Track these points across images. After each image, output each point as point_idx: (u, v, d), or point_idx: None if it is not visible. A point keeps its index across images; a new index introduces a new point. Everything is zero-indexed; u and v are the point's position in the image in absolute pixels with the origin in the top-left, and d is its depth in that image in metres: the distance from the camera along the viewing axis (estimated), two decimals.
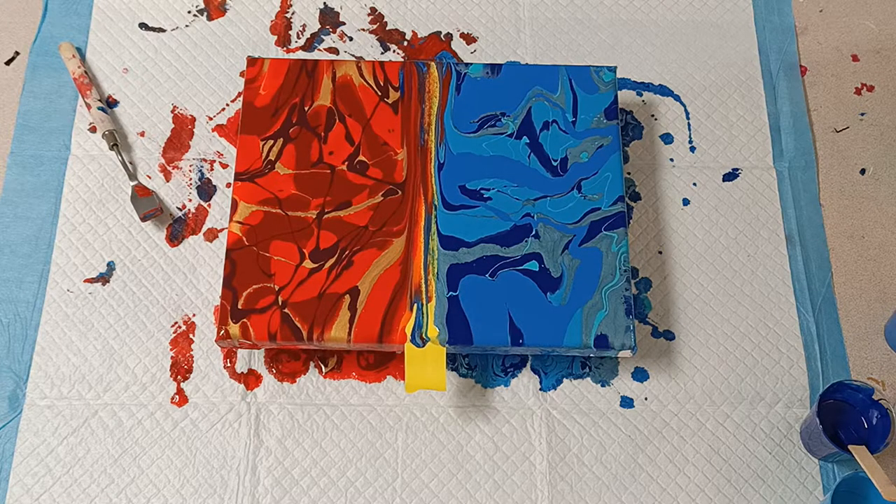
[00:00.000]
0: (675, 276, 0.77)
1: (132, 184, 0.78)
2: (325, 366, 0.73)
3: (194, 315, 0.74)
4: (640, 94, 0.84)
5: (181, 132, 0.81)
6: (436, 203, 0.72)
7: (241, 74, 0.83)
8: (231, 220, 0.71)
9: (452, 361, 0.73)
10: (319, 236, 0.71)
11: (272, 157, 0.74)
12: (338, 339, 0.68)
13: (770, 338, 0.75)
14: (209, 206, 0.78)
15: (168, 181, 0.79)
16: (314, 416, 0.71)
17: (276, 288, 0.69)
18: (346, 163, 0.74)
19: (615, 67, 0.78)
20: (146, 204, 0.76)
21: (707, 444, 0.71)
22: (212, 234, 0.77)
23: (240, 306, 0.68)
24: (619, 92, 0.82)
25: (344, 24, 0.87)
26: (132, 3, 0.86)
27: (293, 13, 0.87)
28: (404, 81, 0.77)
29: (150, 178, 0.79)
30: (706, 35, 0.87)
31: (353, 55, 0.85)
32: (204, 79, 0.83)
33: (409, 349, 0.68)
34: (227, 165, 0.80)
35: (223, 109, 0.82)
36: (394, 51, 0.86)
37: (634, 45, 0.86)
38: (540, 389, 0.73)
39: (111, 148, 0.79)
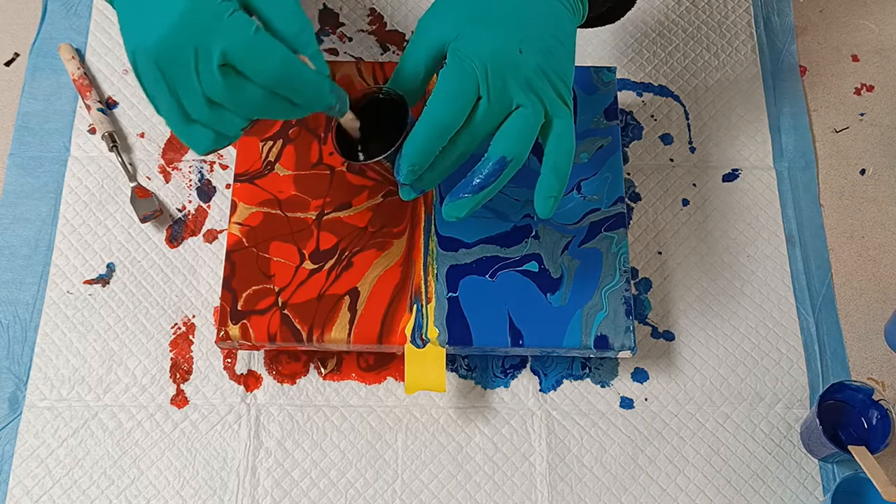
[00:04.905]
0: (674, 276, 0.77)
1: (132, 185, 0.78)
2: (325, 367, 0.73)
3: (194, 316, 0.74)
4: (640, 95, 0.84)
5: None
6: (435, 203, 0.72)
7: None
8: (230, 221, 0.71)
9: (452, 363, 0.73)
10: (319, 237, 0.71)
11: (272, 158, 0.74)
12: (337, 341, 0.68)
13: (770, 338, 0.75)
14: (209, 207, 0.78)
15: (168, 182, 0.79)
16: (314, 417, 0.71)
17: (276, 289, 0.69)
18: (345, 163, 0.73)
19: (615, 67, 0.78)
20: (146, 205, 0.76)
21: (707, 445, 0.71)
22: (211, 236, 0.77)
23: (239, 307, 0.68)
24: (618, 92, 0.82)
25: (343, 24, 0.87)
26: None
27: None
28: None
29: (149, 179, 0.79)
30: (706, 35, 0.87)
31: (352, 56, 0.85)
32: None
33: (408, 350, 0.68)
34: (227, 167, 0.80)
35: None
36: (393, 52, 0.86)
37: (634, 45, 0.86)
38: (540, 390, 0.73)
39: (111, 149, 0.79)
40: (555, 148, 0.58)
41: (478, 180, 0.57)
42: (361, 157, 0.61)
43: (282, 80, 0.50)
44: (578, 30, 0.62)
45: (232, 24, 0.48)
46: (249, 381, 0.72)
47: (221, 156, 0.80)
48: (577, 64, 0.77)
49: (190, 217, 0.78)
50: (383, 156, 0.58)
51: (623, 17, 0.71)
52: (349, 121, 0.58)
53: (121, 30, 0.51)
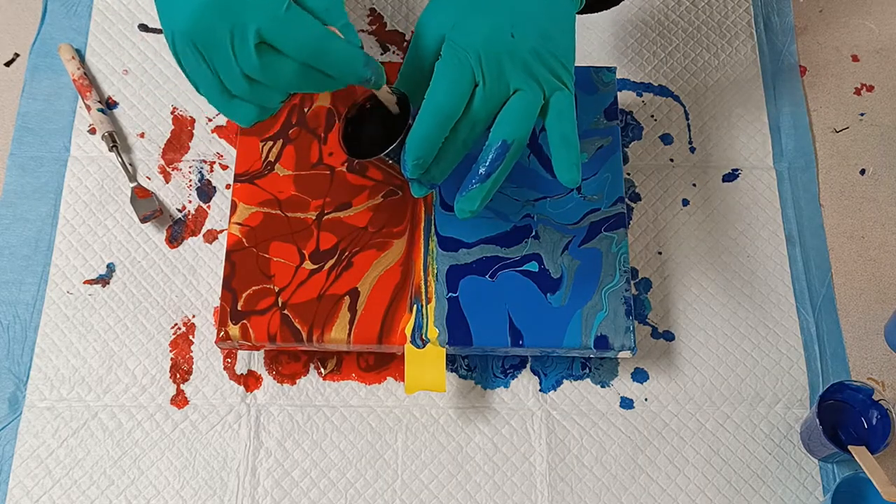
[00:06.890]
0: (674, 276, 0.77)
1: (132, 185, 0.78)
2: (325, 367, 0.73)
3: (194, 317, 0.74)
4: (640, 95, 0.84)
5: (181, 133, 0.81)
6: (435, 203, 0.72)
7: None
8: (230, 221, 0.71)
9: (452, 363, 0.73)
10: (319, 237, 0.71)
11: (272, 158, 0.74)
12: (337, 341, 0.68)
13: (770, 338, 0.75)
14: (209, 207, 0.78)
15: (168, 182, 0.79)
16: (314, 417, 0.71)
17: (276, 289, 0.69)
18: (346, 164, 0.73)
19: (615, 68, 0.78)
20: (146, 205, 0.76)
21: (707, 445, 0.71)
22: (211, 236, 0.77)
23: (239, 308, 0.68)
24: (618, 92, 0.82)
25: None
26: (132, 5, 0.86)
27: None
28: None
29: (149, 179, 0.79)
30: (706, 35, 0.87)
31: None
32: None
33: (408, 350, 0.68)
34: (227, 167, 0.80)
35: None
36: (393, 52, 0.86)
37: (634, 45, 0.86)
38: (539, 390, 0.73)
39: (111, 149, 0.79)
40: (557, 123, 0.58)
41: (483, 168, 0.58)
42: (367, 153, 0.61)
43: (316, 54, 0.51)
44: (580, 27, 0.62)
45: (264, 0, 0.50)
46: (249, 381, 0.72)
47: (221, 156, 0.80)
48: (577, 64, 0.77)
49: (190, 217, 0.78)
50: (385, 152, 0.59)
51: None
52: (386, 94, 0.59)
53: (158, 14, 0.53)
